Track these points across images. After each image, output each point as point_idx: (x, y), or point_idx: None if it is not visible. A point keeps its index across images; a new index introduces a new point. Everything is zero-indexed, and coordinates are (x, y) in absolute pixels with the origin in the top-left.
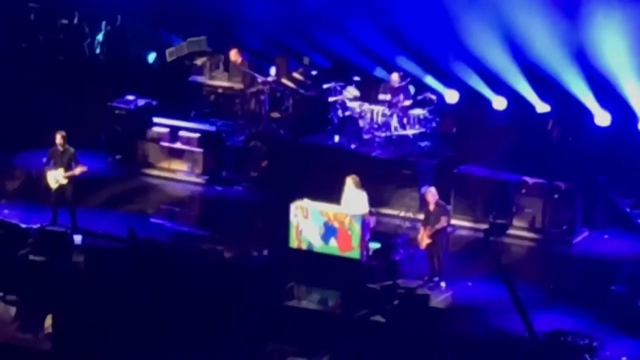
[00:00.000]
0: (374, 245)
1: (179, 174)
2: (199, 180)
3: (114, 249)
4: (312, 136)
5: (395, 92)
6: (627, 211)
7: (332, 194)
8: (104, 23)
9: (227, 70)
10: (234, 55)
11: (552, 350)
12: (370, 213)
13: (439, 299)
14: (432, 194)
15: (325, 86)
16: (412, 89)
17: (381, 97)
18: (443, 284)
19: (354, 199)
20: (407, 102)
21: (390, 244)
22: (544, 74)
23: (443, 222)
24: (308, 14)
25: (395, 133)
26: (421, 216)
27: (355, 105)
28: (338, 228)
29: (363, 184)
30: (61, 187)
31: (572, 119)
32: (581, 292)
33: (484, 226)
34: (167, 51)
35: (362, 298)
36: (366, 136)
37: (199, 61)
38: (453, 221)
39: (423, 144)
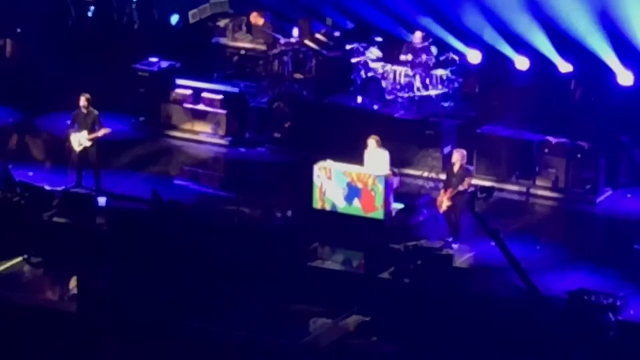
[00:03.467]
0: (398, 206)
1: (202, 136)
2: (222, 142)
3: (138, 211)
4: (336, 97)
5: (417, 52)
6: None
7: (356, 155)
8: None
9: (250, 32)
10: (255, 17)
11: (576, 309)
12: (394, 174)
13: (462, 259)
14: (461, 156)
15: (348, 47)
16: (434, 50)
17: (403, 58)
18: (456, 246)
19: (377, 159)
20: (430, 63)
21: (414, 205)
22: (566, 34)
23: (465, 184)
24: None
25: (418, 94)
26: (444, 177)
27: (378, 66)
28: (362, 189)
29: (386, 145)
30: (85, 150)
31: (595, 78)
32: (605, 252)
33: (508, 186)
34: (190, 13)
35: (385, 259)
36: (389, 97)
37: (222, 23)
38: (477, 181)
39: (446, 104)
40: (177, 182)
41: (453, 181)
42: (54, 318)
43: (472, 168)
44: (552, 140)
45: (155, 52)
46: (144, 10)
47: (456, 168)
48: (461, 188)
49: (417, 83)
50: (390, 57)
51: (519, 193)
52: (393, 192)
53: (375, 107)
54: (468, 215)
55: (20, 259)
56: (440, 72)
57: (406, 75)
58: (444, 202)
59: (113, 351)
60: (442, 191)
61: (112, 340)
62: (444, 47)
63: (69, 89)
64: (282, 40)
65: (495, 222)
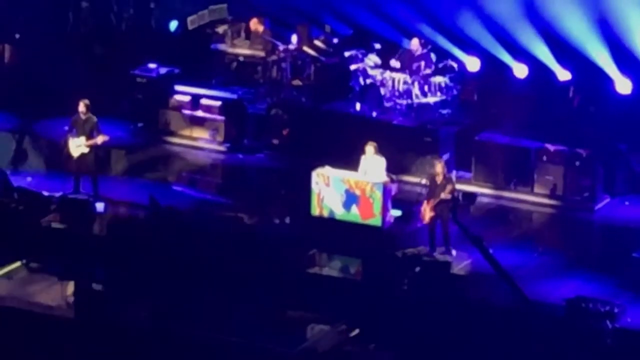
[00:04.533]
0: (396, 213)
1: (200, 142)
2: (220, 148)
3: (136, 217)
4: (334, 104)
5: (416, 59)
6: None
7: (354, 162)
8: None
9: (248, 38)
10: (254, 24)
11: (573, 316)
12: (392, 180)
13: (460, 266)
14: (442, 165)
15: (346, 54)
16: (433, 57)
17: (393, 63)
18: (454, 253)
19: (373, 166)
20: (428, 70)
21: (412, 212)
22: (565, 41)
23: (447, 193)
24: None
25: (417, 101)
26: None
27: (376, 72)
28: (359, 195)
29: (384, 152)
30: (83, 155)
31: (593, 86)
32: (602, 259)
33: (506, 193)
34: (189, 19)
35: (383, 265)
36: (387, 104)
37: (220, 29)
38: (474, 188)
39: (444, 111)
40: (174, 188)
41: (436, 191)
42: (51, 323)
43: (454, 176)
44: (550, 147)
45: (153, 58)
46: (142, 16)
47: (439, 179)
48: (443, 196)
49: (415, 90)
50: (388, 64)
51: (517, 200)
52: (391, 198)
53: (374, 114)
54: (467, 221)
55: (18, 264)
56: (438, 79)
57: (404, 82)
58: (427, 213)
59: (110, 357)
60: (425, 201)
61: (110, 346)
62: (443, 54)
63: (67, 95)
64: (281, 47)
65: (492, 229)
